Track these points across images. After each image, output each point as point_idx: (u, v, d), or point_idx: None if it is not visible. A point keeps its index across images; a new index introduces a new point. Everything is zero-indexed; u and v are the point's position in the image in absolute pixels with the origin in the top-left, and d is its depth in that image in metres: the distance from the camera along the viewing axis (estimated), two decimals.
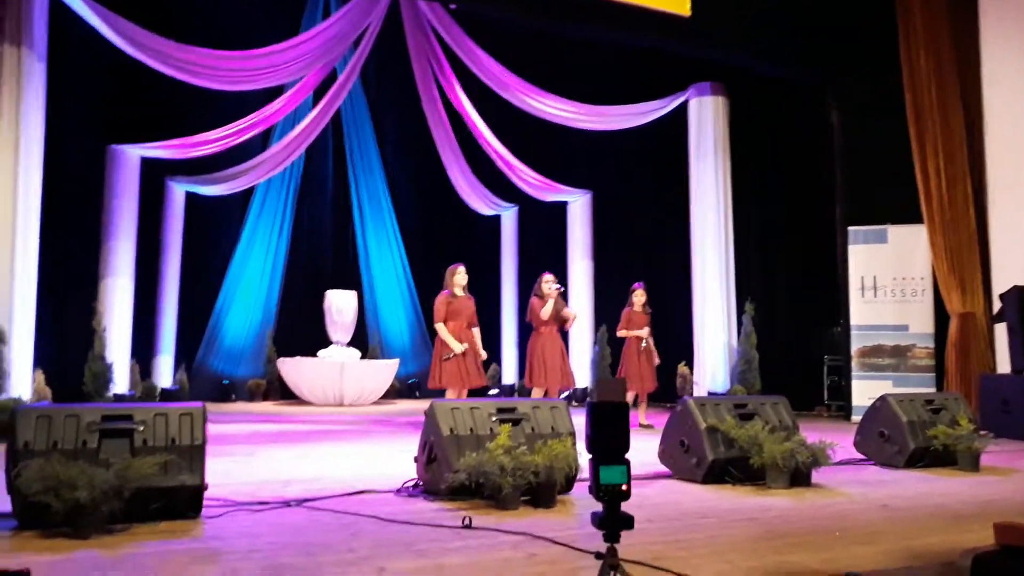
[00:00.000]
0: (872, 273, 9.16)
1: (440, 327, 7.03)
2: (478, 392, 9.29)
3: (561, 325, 7.56)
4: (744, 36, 9.20)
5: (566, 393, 10.51)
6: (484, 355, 7.24)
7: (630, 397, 7.89)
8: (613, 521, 2.47)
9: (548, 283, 7.46)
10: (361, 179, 12.74)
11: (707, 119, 10.26)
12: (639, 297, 8.13)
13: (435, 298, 7.12)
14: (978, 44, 8.58)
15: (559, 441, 4.02)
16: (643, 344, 7.98)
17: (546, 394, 7.25)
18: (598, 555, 2.56)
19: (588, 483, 2.58)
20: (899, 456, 5.28)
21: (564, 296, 7.75)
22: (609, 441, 2.58)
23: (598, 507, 2.58)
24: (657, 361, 8.16)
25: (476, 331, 7.19)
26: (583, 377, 11.48)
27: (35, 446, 3.26)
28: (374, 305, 12.69)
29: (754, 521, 3.59)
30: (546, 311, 7.38)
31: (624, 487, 2.51)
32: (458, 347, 6.91)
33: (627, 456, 2.64)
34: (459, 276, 7.13)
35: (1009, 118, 8.37)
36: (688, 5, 8.72)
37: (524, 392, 7.50)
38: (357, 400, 10.76)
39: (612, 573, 2.39)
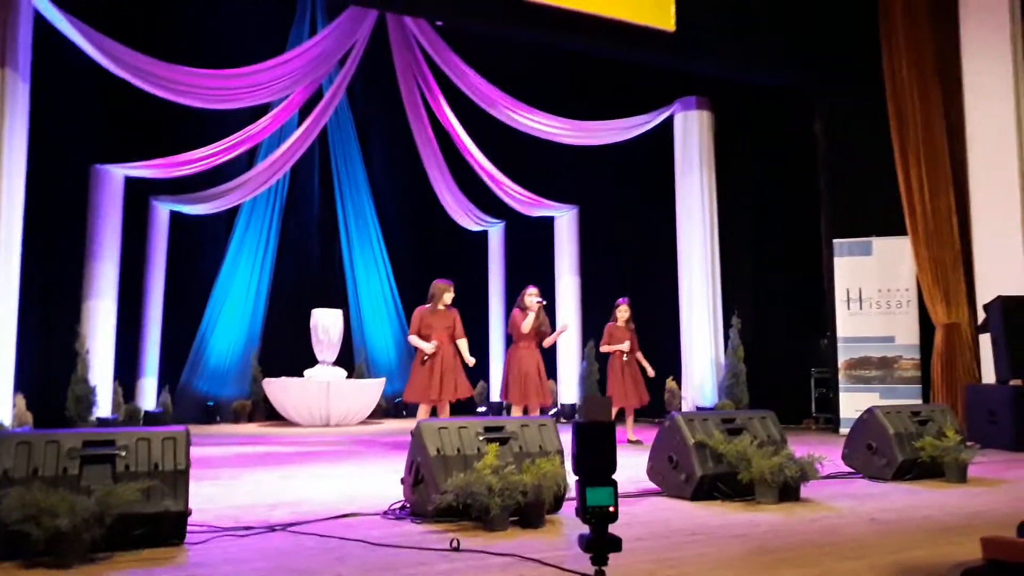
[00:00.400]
0: (857, 285, 9.20)
1: (412, 338, 7.05)
2: (463, 405, 9.25)
3: (540, 340, 7.53)
4: (728, 50, 9.27)
5: (554, 411, 10.47)
6: (472, 361, 7.14)
7: (615, 413, 7.86)
8: (601, 543, 2.45)
9: (531, 296, 7.41)
10: (347, 197, 12.70)
11: (692, 133, 10.31)
12: (623, 312, 8.12)
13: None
14: (959, 55, 8.68)
15: (547, 460, 3.99)
16: (624, 358, 7.98)
17: (526, 411, 7.20)
18: None
19: (576, 503, 2.56)
20: (887, 469, 5.29)
21: (549, 311, 7.73)
22: (595, 462, 2.57)
23: (587, 527, 2.56)
24: (652, 374, 8.16)
25: (462, 343, 7.13)
26: (571, 393, 11.46)
27: (15, 474, 3.21)
28: (360, 323, 12.62)
29: (743, 537, 3.58)
30: (527, 324, 7.33)
31: (611, 509, 2.50)
32: (428, 347, 6.88)
33: (614, 476, 2.62)
34: (448, 294, 7.13)
35: (990, 128, 8.44)
36: (672, 20, 8.79)
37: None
38: (344, 420, 10.68)
39: None
